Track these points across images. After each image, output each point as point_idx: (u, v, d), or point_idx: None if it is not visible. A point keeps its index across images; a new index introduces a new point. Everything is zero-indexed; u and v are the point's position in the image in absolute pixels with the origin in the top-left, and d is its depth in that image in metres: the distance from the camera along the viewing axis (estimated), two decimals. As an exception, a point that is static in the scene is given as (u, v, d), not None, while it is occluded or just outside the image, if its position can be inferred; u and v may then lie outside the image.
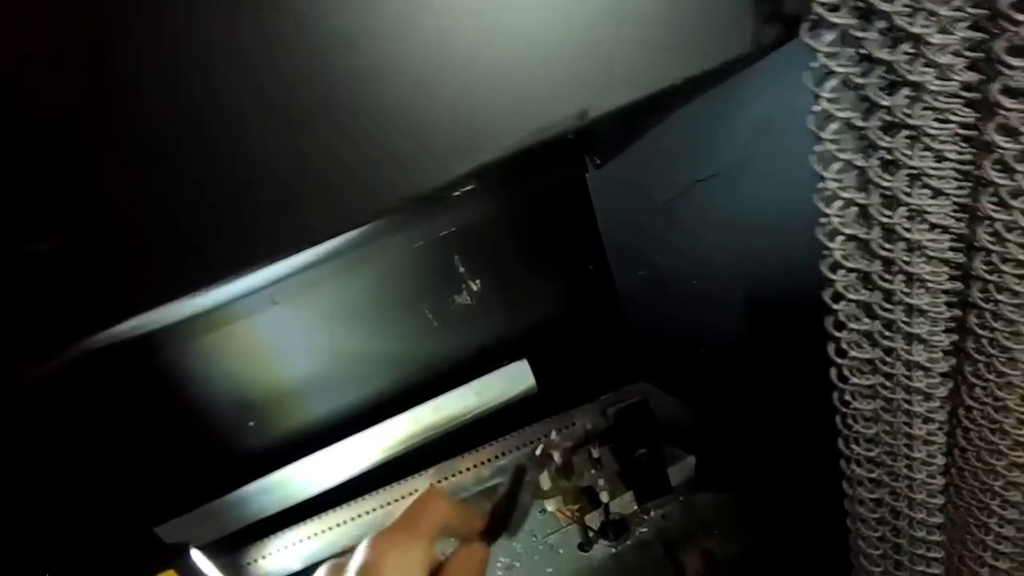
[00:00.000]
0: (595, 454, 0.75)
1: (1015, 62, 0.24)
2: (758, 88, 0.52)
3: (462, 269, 0.81)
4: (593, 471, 0.74)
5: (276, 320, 0.78)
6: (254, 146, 0.28)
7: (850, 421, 0.35)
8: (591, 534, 0.77)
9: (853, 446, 0.36)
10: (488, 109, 0.28)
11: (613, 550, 0.77)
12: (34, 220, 0.27)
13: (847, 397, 0.34)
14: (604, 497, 0.75)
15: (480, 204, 0.78)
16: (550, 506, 0.75)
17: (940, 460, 0.37)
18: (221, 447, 0.81)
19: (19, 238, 0.28)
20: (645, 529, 0.79)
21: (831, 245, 0.30)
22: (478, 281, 0.82)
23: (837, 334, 0.32)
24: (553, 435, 0.74)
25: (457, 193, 0.73)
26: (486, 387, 0.81)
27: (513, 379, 0.82)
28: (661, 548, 0.76)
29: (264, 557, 0.76)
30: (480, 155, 0.28)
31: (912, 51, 0.25)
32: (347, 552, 0.35)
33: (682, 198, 0.70)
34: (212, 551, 0.74)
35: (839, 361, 0.33)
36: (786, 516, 0.73)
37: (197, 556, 0.62)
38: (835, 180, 0.28)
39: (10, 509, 0.71)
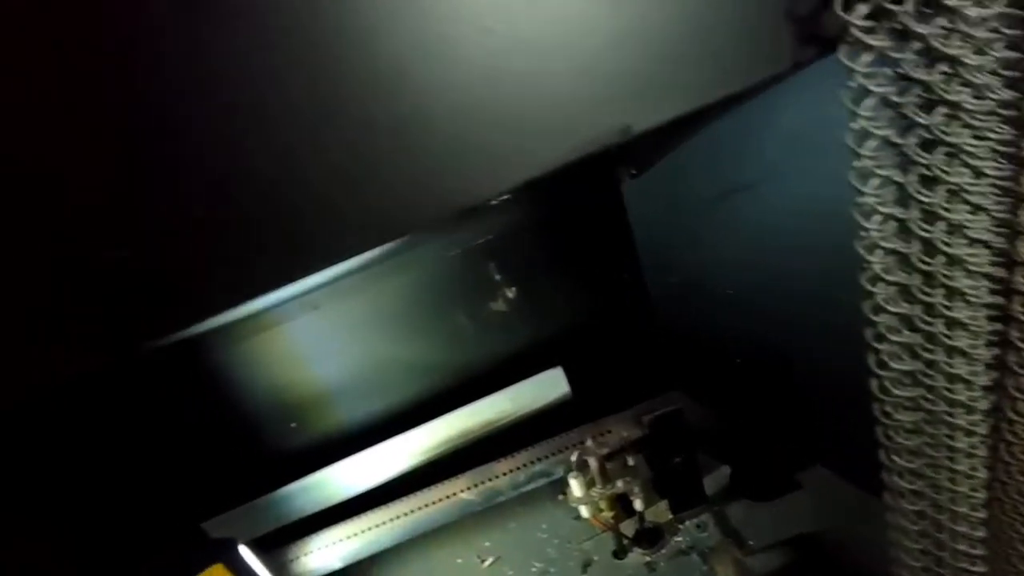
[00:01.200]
0: (630, 462, 0.75)
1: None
2: (792, 98, 0.52)
3: (497, 277, 0.82)
4: (628, 479, 0.75)
5: (318, 325, 0.80)
6: (317, 160, 0.29)
7: (891, 433, 0.35)
8: (626, 542, 0.77)
9: (895, 458, 0.36)
10: (538, 125, 0.29)
11: (647, 558, 0.77)
12: (117, 230, 0.29)
13: (888, 409, 0.34)
14: (639, 505, 0.75)
15: (516, 213, 0.79)
16: (585, 513, 0.76)
17: (983, 474, 0.36)
18: (265, 447, 0.83)
19: (100, 245, 0.30)
20: (680, 538, 0.79)
21: (871, 259, 0.30)
22: (513, 289, 0.83)
23: (878, 346, 0.32)
24: (588, 442, 0.74)
25: (494, 202, 0.75)
26: (521, 393, 0.82)
27: (548, 386, 0.83)
28: (696, 557, 0.76)
29: (305, 555, 0.78)
30: (528, 169, 0.29)
31: (949, 71, 0.26)
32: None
33: (717, 207, 0.70)
34: (255, 548, 0.77)
35: (880, 373, 0.33)
36: (821, 526, 0.72)
37: (244, 552, 0.64)
38: (874, 195, 0.28)
39: (65, 503, 0.75)
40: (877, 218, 0.29)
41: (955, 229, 0.29)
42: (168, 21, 0.26)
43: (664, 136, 0.64)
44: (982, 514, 0.38)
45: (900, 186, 0.28)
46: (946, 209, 0.28)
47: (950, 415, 0.34)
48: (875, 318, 0.32)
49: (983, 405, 0.34)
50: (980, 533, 0.39)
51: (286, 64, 0.28)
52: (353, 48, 0.28)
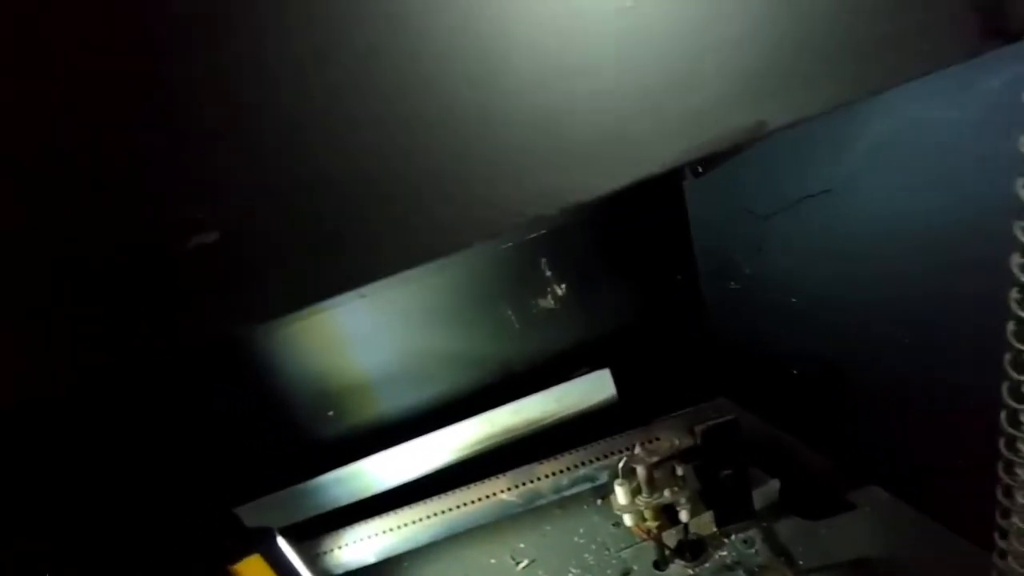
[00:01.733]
0: (678, 471, 0.72)
1: None
2: (874, 106, 0.49)
3: (548, 272, 0.80)
4: (675, 488, 0.72)
5: (361, 314, 0.79)
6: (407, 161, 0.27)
7: (1017, 471, 0.32)
8: (667, 553, 0.75)
9: (1015, 520, 0.33)
10: (670, 116, 0.26)
11: (690, 571, 0.75)
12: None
13: (1017, 470, 0.31)
14: (684, 516, 0.73)
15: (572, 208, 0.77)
16: (628, 521, 0.73)
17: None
18: (301, 435, 0.82)
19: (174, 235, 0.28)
20: (724, 552, 0.76)
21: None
22: (563, 285, 0.80)
23: (1017, 377, 0.29)
24: (637, 449, 0.72)
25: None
26: (566, 394, 0.79)
27: (594, 387, 0.80)
28: (742, 573, 0.73)
29: (339, 548, 0.77)
30: (654, 163, 0.26)
31: None
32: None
33: (785, 213, 0.67)
34: (288, 537, 0.75)
35: (1014, 405, 0.30)
36: (876, 549, 0.69)
37: (281, 542, 0.63)
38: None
39: (102, 489, 0.74)
40: None
41: None
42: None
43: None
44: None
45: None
46: None
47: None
48: (1019, 345, 0.29)
49: None
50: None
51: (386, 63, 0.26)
52: (453, 46, 0.25)
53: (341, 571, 0.77)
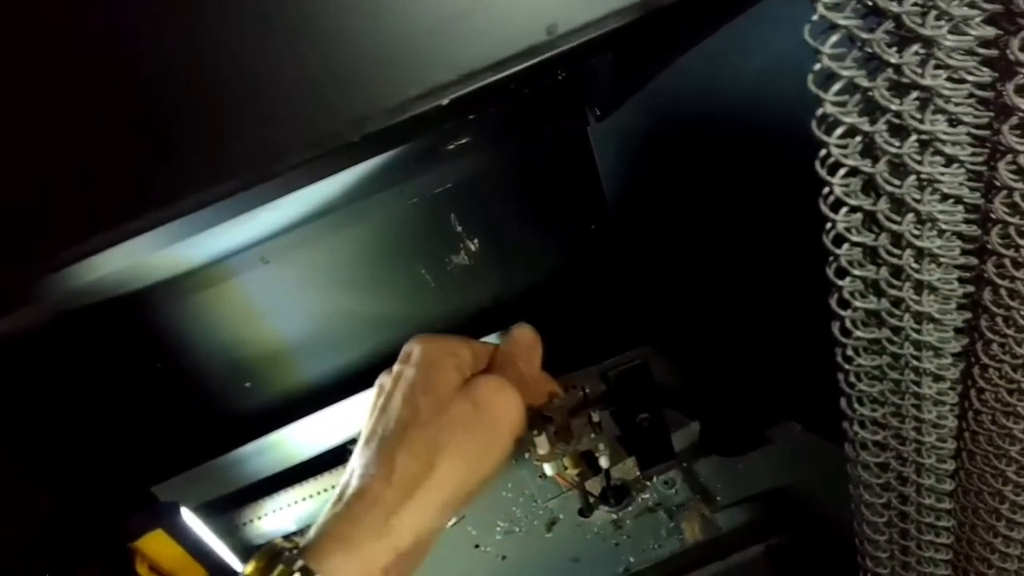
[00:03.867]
0: (595, 418, 0.72)
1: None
2: (761, 35, 0.48)
3: (459, 228, 0.78)
4: (593, 435, 0.72)
5: (269, 280, 0.76)
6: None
7: (853, 379, 0.32)
8: (592, 500, 0.75)
9: (857, 406, 0.33)
10: (440, 25, 0.24)
11: (614, 516, 0.76)
12: None
13: (849, 352, 0.31)
14: (604, 463, 0.73)
15: (478, 159, 0.75)
16: (549, 471, 0.73)
17: (951, 423, 0.34)
18: (219, 407, 0.80)
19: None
20: (647, 495, 0.77)
21: (834, 217, 0.27)
22: (476, 240, 0.79)
23: (839, 282, 0.29)
24: (553, 399, 0.71)
25: (451, 147, 0.70)
26: (485, 349, 0.78)
27: (512, 341, 0.79)
28: (663, 514, 0.75)
29: (260, 518, 0.76)
30: (437, 75, 0.25)
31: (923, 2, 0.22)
32: None
33: (686, 149, 0.66)
34: (208, 511, 0.74)
35: (841, 313, 0.30)
36: (789, 481, 0.71)
37: (187, 515, 0.62)
38: (837, 146, 0.25)
39: (10, 467, 0.71)
40: (841, 171, 0.25)
41: (926, 184, 0.26)
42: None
43: (625, 70, 0.60)
44: (949, 466, 0.36)
45: (867, 136, 0.25)
46: (917, 161, 0.25)
47: (917, 357, 0.31)
48: (840, 282, 0.28)
49: (952, 374, 0.31)
50: (947, 486, 0.37)
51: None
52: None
53: (263, 541, 0.76)
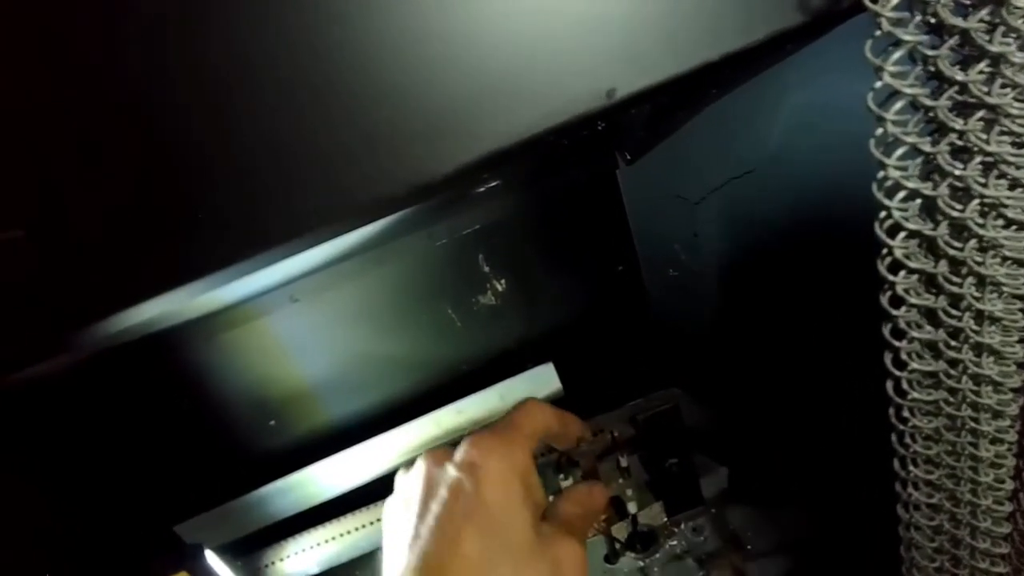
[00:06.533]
0: (623, 463, 0.71)
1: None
2: (793, 80, 0.48)
3: (487, 268, 0.78)
4: (621, 480, 0.71)
5: (298, 318, 0.76)
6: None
7: (908, 440, 0.31)
8: (618, 546, 0.74)
9: (911, 467, 0.32)
10: (499, 88, 0.25)
11: (641, 563, 0.74)
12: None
13: (905, 413, 0.30)
14: (632, 508, 0.72)
15: (506, 201, 0.75)
16: (575, 516, 0.72)
17: (1008, 485, 0.33)
18: (243, 446, 0.80)
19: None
20: (675, 542, 0.75)
21: (891, 242, 0.26)
22: (503, 281, 0.79)
23: (896, 343, 0.28)
24: (580, 442, 0.71)
25: (481, 189, 0.71)
26: (510, 390, 0.78)
27: (538, 382, 0.79)
28: (691, 562, 0.73)
29: (282, 559, 0.75)
30: (490, 141, 0.25)
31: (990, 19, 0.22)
32: (448, 444, 0.35)
33: (715, 196, 0.66)
34: (230, 553, 0.73)
35: (897, 374, 0.29)
36: (824, 533, 0.69)
37: (211, 558, 0.61)
38: (897, 168, 0.24)
39: (35, 505, 0.71)
40: (901, 194, 0.25)
41: (990, 208, 0.25)
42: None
43: (657, 115, 0.61)
44: (1004, 528, 0.35)
45: (928, 157, 0.25)
46: (981, 184, 0.24)
47: (975, 420, 0.30)
48: (894, 311, 0.28)
49: (1012, 410, 0.30)
50: (1003, 549, 0.35)
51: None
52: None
53: (286, 584, 0.75)
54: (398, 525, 0.36)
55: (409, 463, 0.38)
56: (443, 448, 0.37)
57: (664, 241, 0.77)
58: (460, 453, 0.36)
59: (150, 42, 0.24)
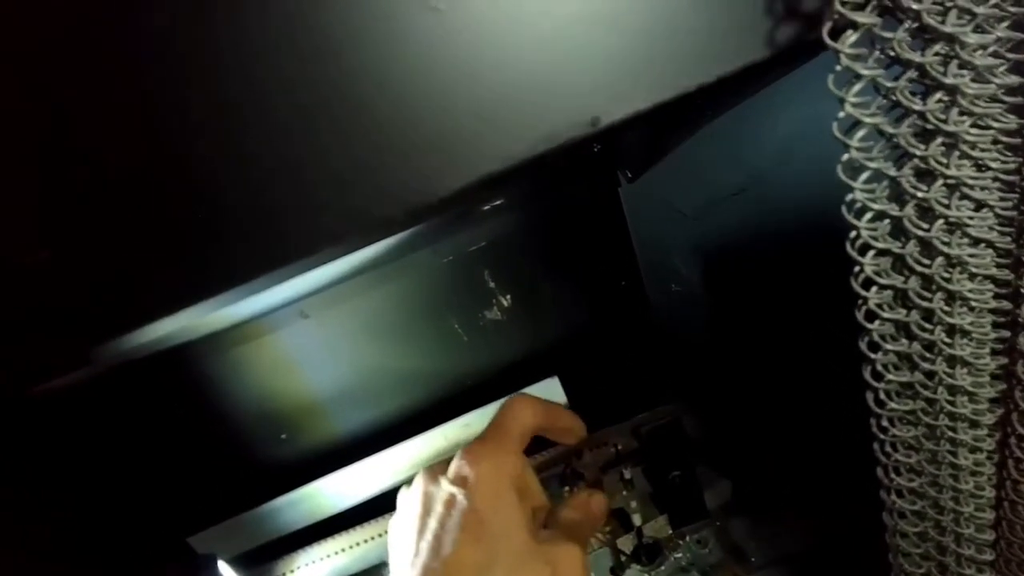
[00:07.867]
0: (627, 475, 0.72)
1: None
2: (789, 97, 0.50)
3: (492, 284, 0.80)
4: (625, 493, 0.72)
5: (308, 334, 0.79)
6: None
7: (889, 449, 0.32)
8: (623, 558, 0.75)
9: (893, 476, 0.33)
10: (491, 116, 0.27)
11: (646, 575, 0.75)
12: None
13: (884, 423, 0.32)
14: (637, 520, 0.73)
15: (511, 219, 0.77)
16: (580, 528, 0.73)
17: (989, 493, 0.34)
18: (254, 458, 0.81)
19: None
20: (680, 554, 0.76)
21: (862, 260, 0.28)
22: (508, 296, 0.81)
23: (872, 356, 0.30)
24: (585, 455, 0.72)
25: (486, 207, 0.73)
26: (516, 404, 0.79)
27: (544, 395, 0.80)
28: (696, 574, 0.73)
29: (293, 571, 0.76)
30: (484, 165, 0.27)
31: (946, 51, 0.23)
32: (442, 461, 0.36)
33: (717, 212, 0.68)
34: (242, 564, 0.75)
35: (875, 384, 0.31)
36: (826, 545, 0.69)
37: (224, 568, 0.62)
38: (863, 191, 0.26)
39: (50, 516, 0.73)
40: (868, 215, 0.27)
41: (955, 227, 0.27)
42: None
43: (656, 134, 0.62)
44: (988, 536, 0.36)
45: (893, 180, 0.26)
46: (944, 205, 0.26)
47: (952, 429, 0.31)
48: (869, 325, 0.29)
49: (988, 419, 0.32)
50: (987, 556, 0.36)
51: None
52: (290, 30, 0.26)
53: (296, 595, 0.76)
54: (400, 543, 0.38)
55: (411, 480, 0.39)
56: (440, 464, 0.39)
57: (666, 256, 0.78)
58: (452, 467, 0.38)
59: (166, 64, 0.26)
